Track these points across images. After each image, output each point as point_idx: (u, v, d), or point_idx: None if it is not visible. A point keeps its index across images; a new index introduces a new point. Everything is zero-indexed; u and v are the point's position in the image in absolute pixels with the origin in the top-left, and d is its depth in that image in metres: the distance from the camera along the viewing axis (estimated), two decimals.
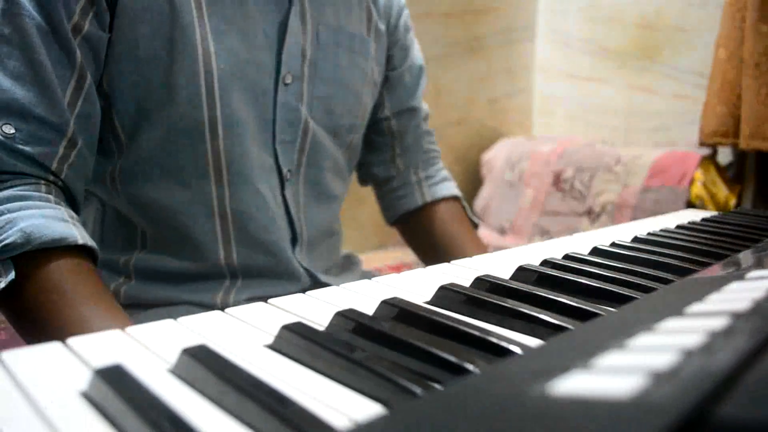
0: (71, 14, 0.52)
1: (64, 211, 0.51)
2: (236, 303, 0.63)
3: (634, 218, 1.68)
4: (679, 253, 0.47)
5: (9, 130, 0.49)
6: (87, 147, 0.55)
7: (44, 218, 0.48)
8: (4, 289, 0.46)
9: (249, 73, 0.61)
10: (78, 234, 0.49)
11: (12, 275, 0.46)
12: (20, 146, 0.50)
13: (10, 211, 0.48)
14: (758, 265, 0.39)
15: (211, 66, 0.58)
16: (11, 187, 0.50)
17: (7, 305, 0.49)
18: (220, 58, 0.59)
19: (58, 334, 0.44)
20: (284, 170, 0.65)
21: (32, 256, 0.47)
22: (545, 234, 1.84)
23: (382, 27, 0.75)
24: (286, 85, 0.63)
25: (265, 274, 0.65)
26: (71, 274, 0.48)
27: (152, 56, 0.56)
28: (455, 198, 0.84)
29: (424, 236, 0.83)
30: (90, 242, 0.50)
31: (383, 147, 0.82)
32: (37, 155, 0.51)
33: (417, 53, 0.83)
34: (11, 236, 0.46)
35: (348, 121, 0.71)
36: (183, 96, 0.58)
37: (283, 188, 0.66)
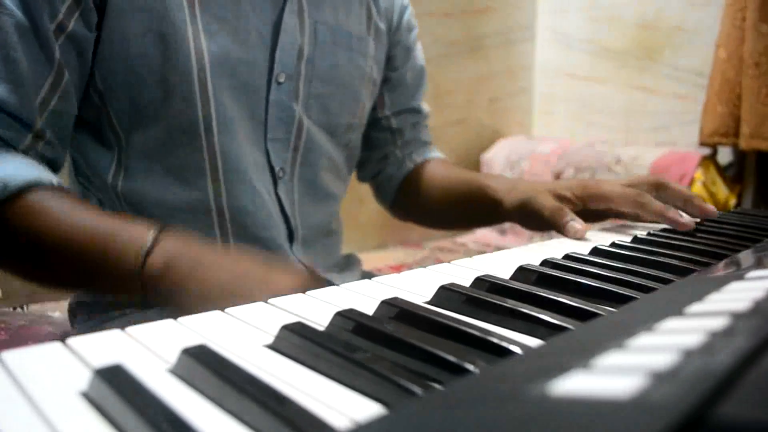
0: (56, 13, 0.53)
1: (35, 162, 0.52)
2: None
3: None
4: (679, 253, 0.47)
5: None
6: (57, 140, 0.56)
7: (16, 164, 0.50)
8: None
9: (240, 72, 0.61)
10: (54, 178, 0.51)
11: None
12: None
13: None
14: (758, 265, 0.39)
15: (203, 64, 0.58)
16: None
17: (10, 258, 0.50)
18: (212, 56, 0.59)
19: (71, 253, 0.46)
20: (276, 168, 0.66)
21: (15, 202, 0.48)
22: (545, 234, 1.84)
23: (383, 26, 0.75)
24: (279, 83, 0.63)
25: None
26: (61, 202, 0.50)
27: (144, 54, 0.56)
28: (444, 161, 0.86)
29: (427, 189, 0.82)
30: (65, 186, 0.52)
31: (383, 143, 0.82)
32: (5, 137, 0.52)
33: (419, 54, 0.83)
34: None
35: (346, 120, 0.71)
36: (177, 94, 0.58)
37: (276, 186, 0.66)
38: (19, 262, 0.51)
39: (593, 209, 0.64)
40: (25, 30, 0.51)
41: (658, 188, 0.64)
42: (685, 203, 0.64)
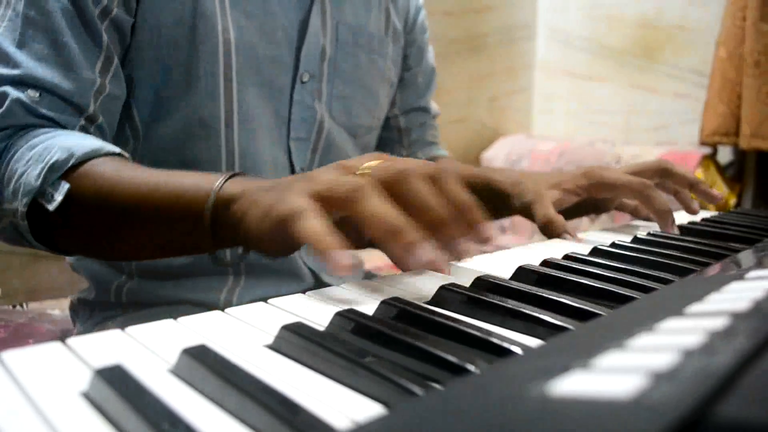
0: None
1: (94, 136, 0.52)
2: (239, 302, 0.63)
3: (634, 218, 1.68)
4: (679, 253, 0.47)
5: (34, 94, 0.50)
6: (107, 124, 0.56)
7: (78, 137, 0.49)
8: (64, 208, 0.46)
9: (266, 69, 0.61)
10: (116, 148, 0.50)
11: (66, 186, 0.46)
12: (44, 111, 0.51)
13: (46, 140, 0.48)
14: (758, 265, 0.39)
15: (230, 57, 0.59)
16: (39, 127, 0.51)
17: (83, 231, 0.49)
18: (239, 51, 0.59)
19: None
20: (297, 168, 0.66)
21: (83, 170, 0.47)
22: None
23: (400, 26, 0.75)
24: (303, 83, 0.64)
25: (268, 273, 0.65)
26: (130, 166, 0.48)
27: (174, 44, 0.57)
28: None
29: None
30: (126, 153, 0.51)
31: (390, 142, 0.83)
32: (60, 120, 0.51)
33: (431, 55, 0.83)
34: (54, 155, 0.46)
35: (366, 122, 0.72)
36: (202, 86, 0.58)
37: None
38: (93, 232, 0.48)
39: (598, 198, 0.64)
40: (72, 14, 0.52)
41: (663, 175, 0.64)
42: (692, 188, 0.63)
